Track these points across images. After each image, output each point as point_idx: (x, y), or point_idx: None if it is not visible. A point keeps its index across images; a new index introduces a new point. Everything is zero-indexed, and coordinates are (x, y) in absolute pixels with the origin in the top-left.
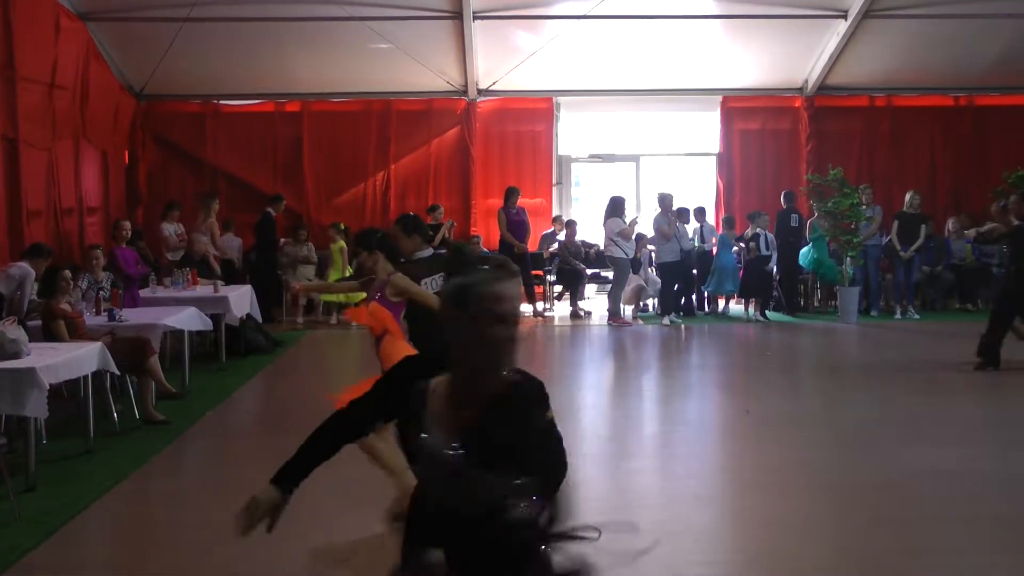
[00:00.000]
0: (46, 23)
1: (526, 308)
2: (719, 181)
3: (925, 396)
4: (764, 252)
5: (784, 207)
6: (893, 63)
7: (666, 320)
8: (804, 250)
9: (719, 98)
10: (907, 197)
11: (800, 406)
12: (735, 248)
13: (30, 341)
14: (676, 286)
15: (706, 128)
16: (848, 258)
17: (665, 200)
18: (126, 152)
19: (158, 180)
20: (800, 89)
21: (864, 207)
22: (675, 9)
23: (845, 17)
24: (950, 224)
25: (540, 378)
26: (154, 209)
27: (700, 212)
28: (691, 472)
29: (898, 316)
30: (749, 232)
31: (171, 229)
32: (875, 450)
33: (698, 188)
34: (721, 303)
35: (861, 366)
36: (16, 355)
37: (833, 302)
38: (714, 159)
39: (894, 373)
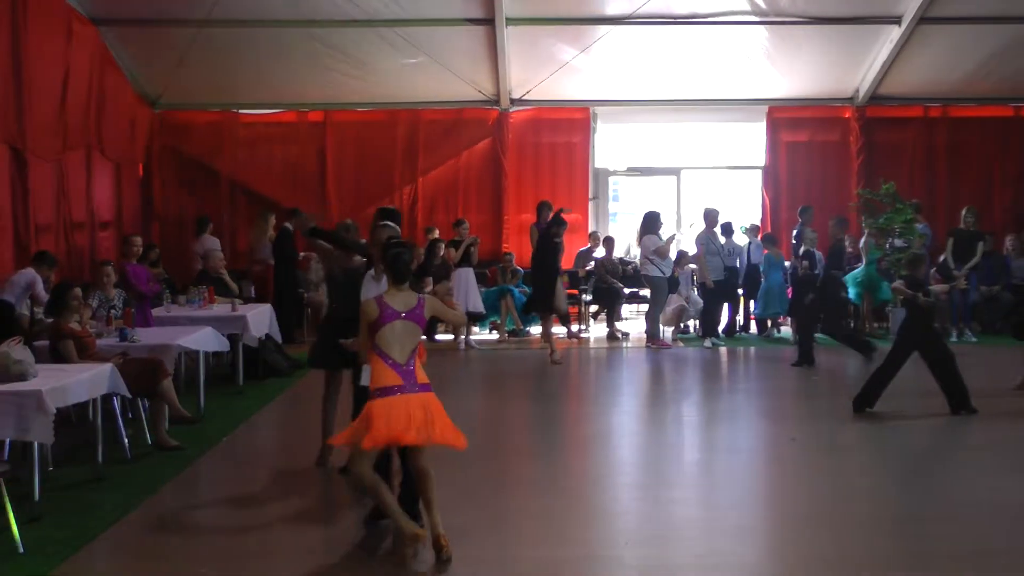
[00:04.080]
0: (57, 27)
1: (560, 329)
2: (765, 196)
3: (981, 423)
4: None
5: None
6: (949, 71)
7: (708, 342)
8: (854, 273)
9: (765, 108)
10: (962, 213)
11: (849, 433)
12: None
13: (37, 362)
14: (724, 305)
15: (751, 140)
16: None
17: (710, 215)
18: (141, 164)
19: (173, 193)
20: (850, 99)
21: (917, 225)
22: (718, 10)
23: (899, 23)
24: (1009, 242)
25: (575, 404)
26: (168, 223)
27: (753, 230)
28: (733, 502)
29: (954, 339)
30: (802, 249)
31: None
32: (931, 480)
33: (742, 203)
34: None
35: (913, 391)
36: (22, 377)
37: (884, 324)
38: (759, 172)
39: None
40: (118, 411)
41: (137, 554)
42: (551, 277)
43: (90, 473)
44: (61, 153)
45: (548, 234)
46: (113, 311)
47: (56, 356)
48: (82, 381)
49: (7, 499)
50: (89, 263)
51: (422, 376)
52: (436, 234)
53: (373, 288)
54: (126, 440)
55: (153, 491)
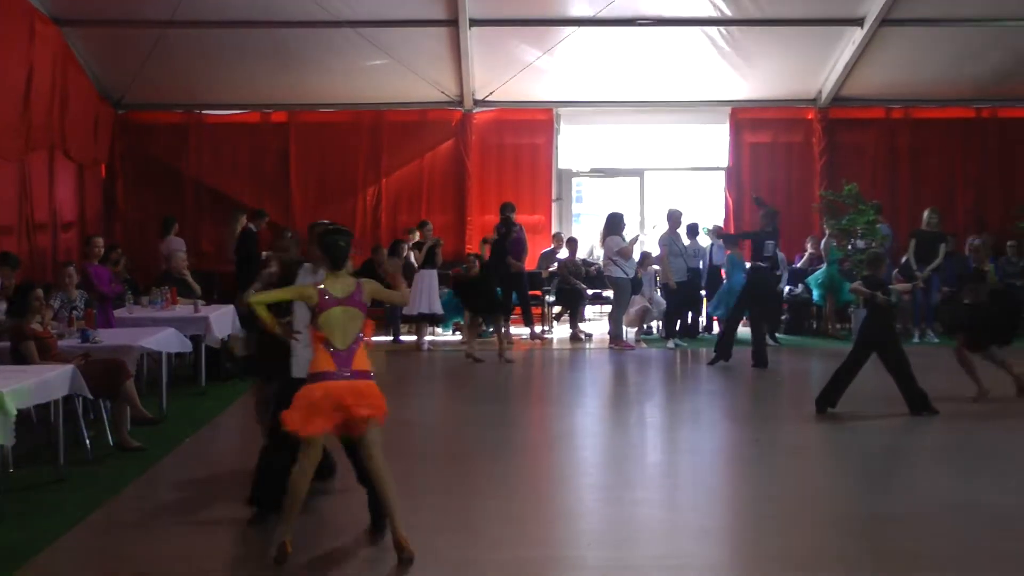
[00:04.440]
0: (20, 27)
1: (523, 331)
2: (728, 197)
3: (941, 424)
4: (776, 271)
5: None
6: (912, 73)
7: (671, 343)
8: (816, 274)
9: (728, 109)
10: (925, 215)
11: (811, 434)
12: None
13: None
14: (686, 307)
15: (714, 141)
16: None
17: (673, 217)
18: (104, 164)
19: (136, 194)
20: (813, 100)
21: (881, 225)
22: (682, 12)
23: (861, 24)
24: (972, 243)
25: (538, 405)
26: (132, 224)
27: (716, 231)
28: (696, 503)
29: (916, 340)
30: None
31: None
32: (890, 481)
33: (706, 204)
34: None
35: (873, 393)
36: None
37: (847, 325)
38: (723, 174)
39: None
40: (80, 412)
41: (99, 556)
42: (504, 277)
43: (52, 474)
44: (24, 153)
45: (502, 235)
46: (75, 312)
47: (17, 357)
48: (44, 382)
49: None
50: (51, 264)
51: (360, 363)
52: (417, 236)
53: (309, 279)
54: (88, 441)
55: (115, 492)
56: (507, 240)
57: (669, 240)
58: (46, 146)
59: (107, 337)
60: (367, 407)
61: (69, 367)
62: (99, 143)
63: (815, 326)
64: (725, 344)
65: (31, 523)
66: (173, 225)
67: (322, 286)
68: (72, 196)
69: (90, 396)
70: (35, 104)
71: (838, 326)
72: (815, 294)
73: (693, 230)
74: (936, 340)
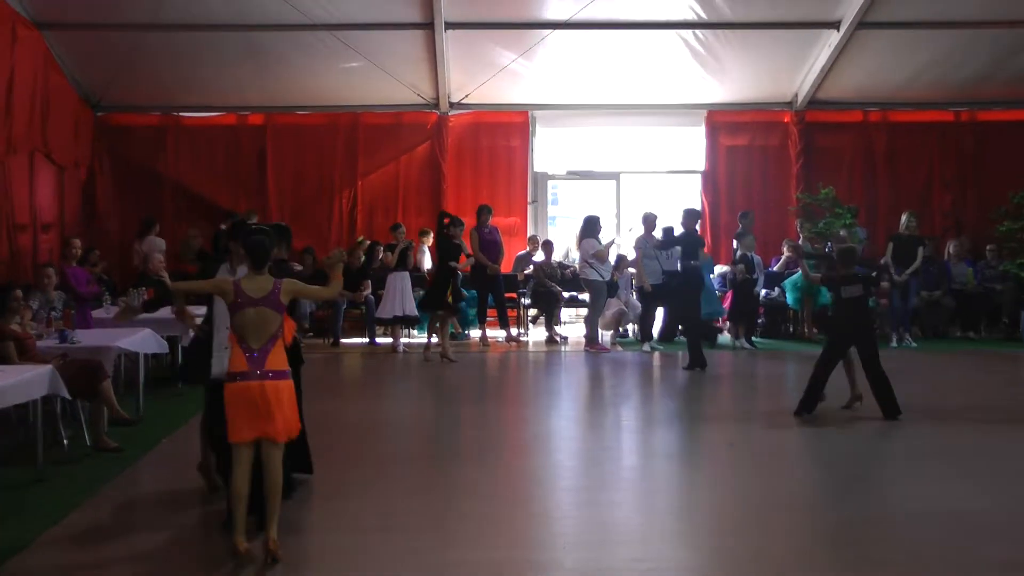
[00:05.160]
0: (1, 31)
1: (499, 333)
2: (704, 200)
3: (920, 429)
4: (752, 275)
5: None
6: (889, 76)
7: (646, 346)
8: (792, 278)
9: (704, 113)
10: (903, 218)
11: (786, 438)
12: (730, 270)
13: None
14: (658, 311)
15: (690, 144)
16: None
17: (648, 220)
18: (84, 166)
19: (115, 196)
20: (790, 103)
21: (857, 229)
22: (658, 16)
23: (837, 27)
24: (950, 247)
25: (514, 407)
26: (111, 225)
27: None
28: (671, 506)
29: (894, 344)
30: (738, 254)
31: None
32: (865, 486)
33: (682, 207)
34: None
35: (848, 396)
36: None
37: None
38: (699, 177)
39: None
40: (58, 412)
41: (77, 556)
42: (446, 276)
43: (29, 474)
44: (5, 156)
45: (446, 235)
46: (53, 313)
47: None
48: (22, 382)
49: None
50: (32, 265)
51: (275, 362)
52: (430, 239)
53: (226, 276)
54: (65, 441)
55: (93, 492)
56: (456, 239)
57: (644, 243)
58: (28, 149)
59: (85, 338)
60: (282, 427)
61: (47, 367)
62: (79, 146)
63: (791, 330)
64: (695, 352)
65: (8, 523)
66: (153, 225)
67: (240, 285)
68: (52, 198)
69: (68, 396)
70: (17, 107)
71: (814, 330)
72: (790, 298)
73: (669, 233)
74: (915, 345)
